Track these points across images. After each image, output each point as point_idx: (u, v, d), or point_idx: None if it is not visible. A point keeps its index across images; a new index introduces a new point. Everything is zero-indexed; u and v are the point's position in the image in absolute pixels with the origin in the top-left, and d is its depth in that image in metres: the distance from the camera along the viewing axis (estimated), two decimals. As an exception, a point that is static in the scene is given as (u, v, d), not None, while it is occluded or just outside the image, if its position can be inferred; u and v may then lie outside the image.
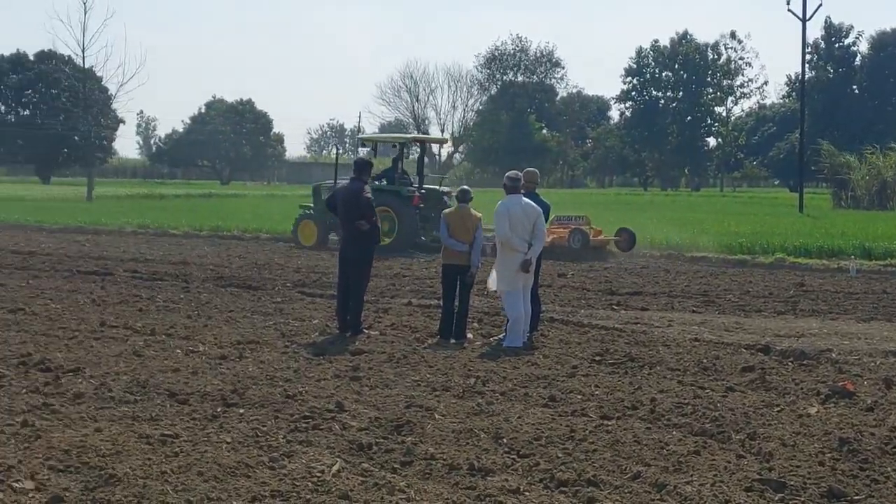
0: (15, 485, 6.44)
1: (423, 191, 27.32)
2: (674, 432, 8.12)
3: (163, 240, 29.10)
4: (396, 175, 27.74)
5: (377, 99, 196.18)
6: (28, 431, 7.71)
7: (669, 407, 8.95)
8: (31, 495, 6.33)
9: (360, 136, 33.96)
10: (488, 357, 11.54)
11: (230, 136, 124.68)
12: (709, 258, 24.45)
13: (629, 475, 6.96)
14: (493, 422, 8.31)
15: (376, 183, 26.37)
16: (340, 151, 31.40)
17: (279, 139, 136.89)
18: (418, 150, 30.99)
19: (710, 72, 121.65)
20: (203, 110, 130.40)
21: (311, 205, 28.61)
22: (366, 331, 13.01)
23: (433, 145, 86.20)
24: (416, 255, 25.37)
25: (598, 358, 11.47)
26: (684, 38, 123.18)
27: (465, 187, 13.61)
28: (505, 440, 7.78)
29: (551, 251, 23.25)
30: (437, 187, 28.39)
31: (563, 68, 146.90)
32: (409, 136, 34.61)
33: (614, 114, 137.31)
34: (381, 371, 10.53)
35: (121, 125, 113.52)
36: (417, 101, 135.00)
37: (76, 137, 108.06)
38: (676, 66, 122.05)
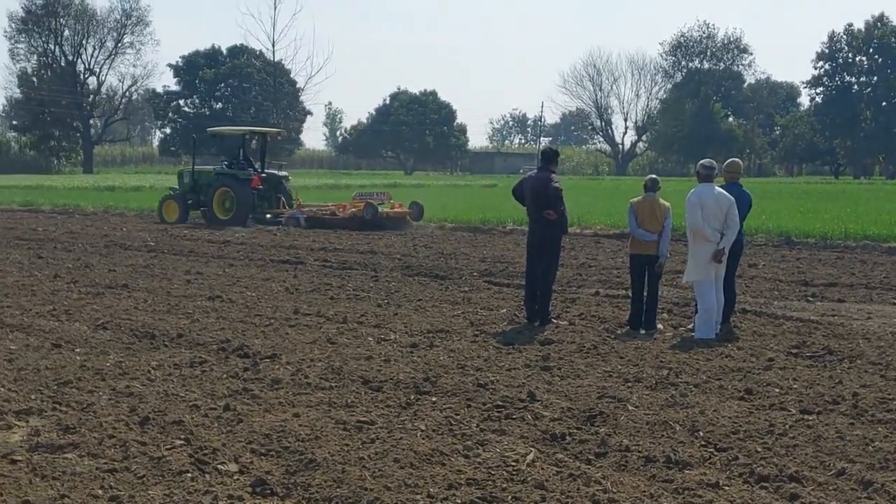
0: (220, 467, 6.66)
1: (263, 174, 32.29)
2: (879, 428, 7.81)
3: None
4: (237, 161, 32.68)
5: (560, 88, 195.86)
6: (230, 416, 7.95)
7: (873, 402, 8.62)
8: (235, 477, 6.52)
9: (208, 129, 39.46)
10: (680, 348, 11.32)
11: (414, 127, 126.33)
12: (909, 249, 23.43)
13: (833, 472, 6.73)
14: (688, 414, 8.16)
15: (223, 167, 32.80)
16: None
17: (462, 129, 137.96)
18: (257, 140, 36.61)
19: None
20: (388, 101, 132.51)
21: (176, 187, 33.93)
22: (554, 320, 12.94)
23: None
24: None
25: (794, 350, 11.13)
26: (880, 20, 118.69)
27: (654, 176, 13.39)
28: (701, 433, 7.62)
29: (350, 221, 29.48)
30: (276, 172, 33.55)
31: (751, 54, 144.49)
32: (247, 128, 39.67)
33: (804, 100, 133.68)
34: (572, 361, 10.46)
35: (308, 117, 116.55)
36: (600, 89, 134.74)
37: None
38: (871, 51, 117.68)
